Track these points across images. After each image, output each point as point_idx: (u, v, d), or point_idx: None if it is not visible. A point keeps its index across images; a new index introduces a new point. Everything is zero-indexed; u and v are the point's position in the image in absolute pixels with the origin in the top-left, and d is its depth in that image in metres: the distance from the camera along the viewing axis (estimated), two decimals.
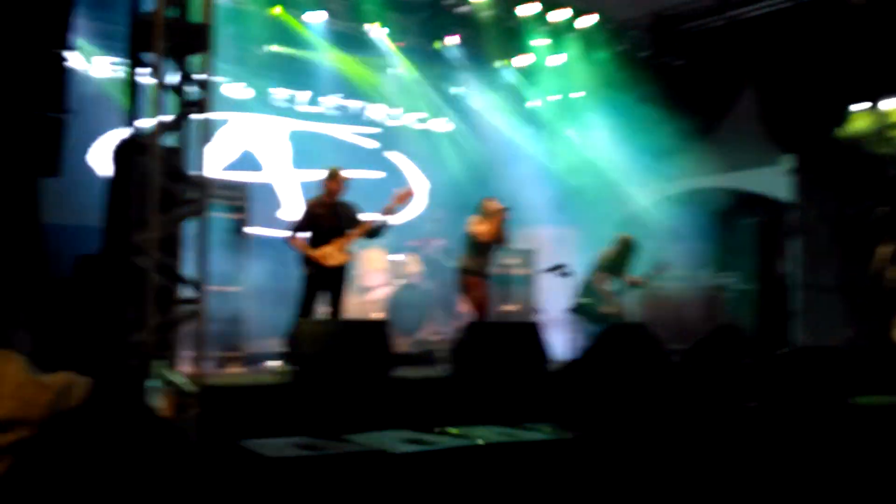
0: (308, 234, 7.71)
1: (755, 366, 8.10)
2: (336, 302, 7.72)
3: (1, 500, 1.55)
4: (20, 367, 1.65)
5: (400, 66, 11.96)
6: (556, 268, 8.69)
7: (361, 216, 7.90)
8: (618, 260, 9.37)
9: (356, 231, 7.75)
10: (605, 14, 11.56)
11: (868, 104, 10.33)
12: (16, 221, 4.58)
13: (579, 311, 9.16)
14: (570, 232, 11.69)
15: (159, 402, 4.76)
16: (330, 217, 7.71)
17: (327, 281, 7.62)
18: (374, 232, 7.92)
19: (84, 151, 9.54)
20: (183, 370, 5.36)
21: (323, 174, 7.95)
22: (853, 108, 10.38)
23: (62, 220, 8.07)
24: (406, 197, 7.94)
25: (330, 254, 7.58)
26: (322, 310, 7.71)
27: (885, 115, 10.19)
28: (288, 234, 7.76)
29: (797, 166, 10.96)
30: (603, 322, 9.15)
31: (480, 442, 5.36)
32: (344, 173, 7.87)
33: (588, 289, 9.22)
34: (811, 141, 10.89)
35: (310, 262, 7.57)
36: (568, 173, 12.57)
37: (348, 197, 7.99)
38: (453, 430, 5.66)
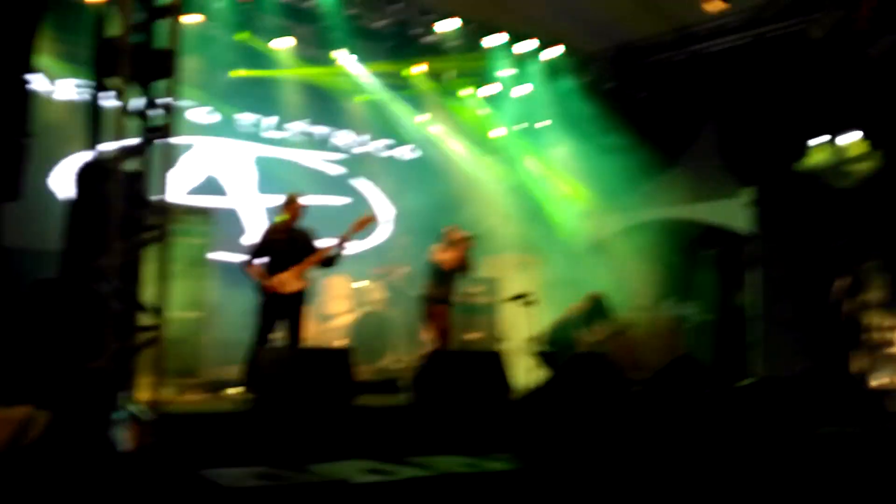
0: (264, 260, 7.64)
1: (714, 396, 8.19)
2: (294, 329, 7.62)
3: None
4: None
5: (367, 93, 12.00)
6: (520, 297, 8.72)
7: (319, 243, 7.85)
8: (587, 316, 9.48)
9: (312, 258, 7.71)
10: (570, 45, 11.70)
11: (827, 138, 10.52)
12: None
13: (545, 358, 9.22)
14: (533, 260, 11.75)
15: (122, 434, 4.69)
16: (287, 243, 7.66)
17: (284, 308, 7.54)
18: (329, 261, 7.86)
19: (45, 174, 9.44)
20: (141, 398, 5.30)
21: (299, 200, 7.89)
22: (812, 142, 10.57)
23: (23, 243, 7.98)
24: (365, 224, 7.92)
25: (286, 280, 7.52)
26: (279, 336, 7.64)
27: (843, 149, 10.38)
28: (244, 260, 7.68)
29: (756, 198, 11.11)
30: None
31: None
32: (301, 200, 7.84)
33: (556, 340, 9.29)
34: (771, 174, 11.06)
35: (265, 289, 7.51)
36: (531, 202, 12.66)
37: (313, 223, 7.96)
38: (416, 460, 5.63)
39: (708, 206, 11.48)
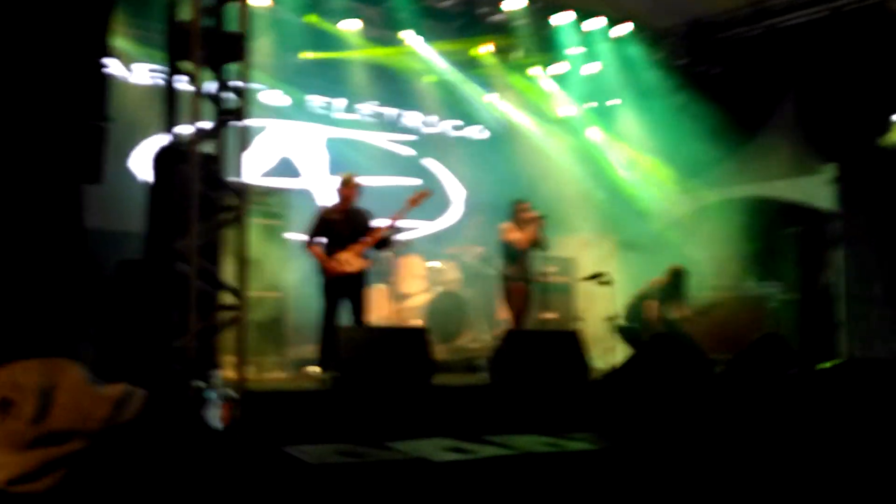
0: (324, 241, 7.65)
1: (800, 377, 7.95)
2: (358, 309, 7.63)
3: None
4: (79, 378, 1.61)
5: (435, 73, 11.95)
6: (596, 276, 8.58)
7: (376, 222, 7.83)
8: (668, 290, 9.29)
9: (370, 238, 7.70)
10: (640, 22, 11.47)
11: None
12: (61, 227, 4.58)
13: (625, 334, 9.08)
14: (609, 240, 11.58)
15: (211, 412, 4.72)
16: (345, 223, 7.66)
17: (346, 288, 7.55)
18: (384, 242, 7.85)
19: (125, 158, 9.63)
20: (226, 376, 5.34)
21: (355, 180, 7.88)
22: (894, 117, 10.21)
23: (106, 225, 8.14)
24: (419, 200, 7.86)
25: (347, 260, 7.52)
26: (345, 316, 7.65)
27: None
28: (304, 241, 7.71)
29: (839, 175, 10.79)
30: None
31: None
32: (357, 179, 7.83)
33: (636, 315, 9.14)
34: (853, 150, 10.73)
35: (326, 270, 7.52)
36: (606, 181, 12.48)
37: (384, 204, 7.94)
38: (495, 439, 5.58)
39: (789, 184, 11.17)
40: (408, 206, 7.76)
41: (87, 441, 1.57)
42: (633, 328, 9.09)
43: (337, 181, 7.88)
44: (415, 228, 11.79)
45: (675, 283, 9.29)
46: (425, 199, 7.92)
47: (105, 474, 1.58)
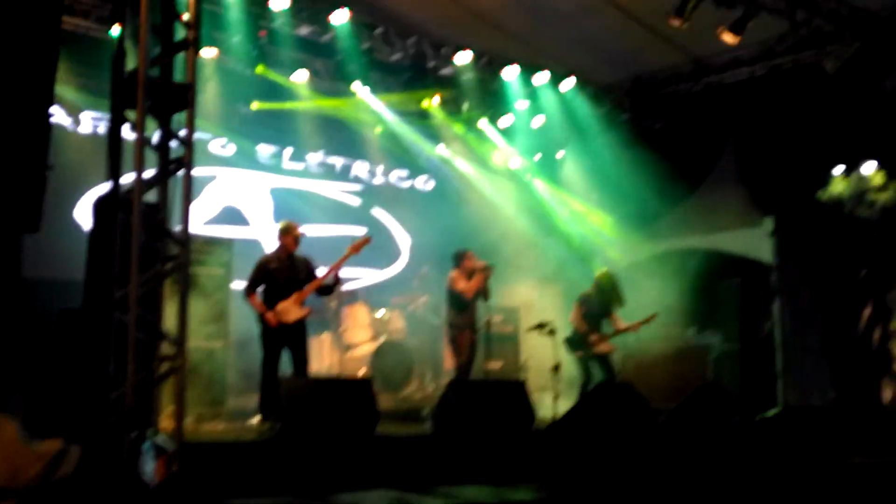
0: (263, 291, 7.57)
1: (741, 426, 8.06)
2: (300, 358, 7.53)
3: None
4: (12, 434, 1.58)
5: (384, 124, 12.06)
6: (542, 325, 8.64)
7: (319, 270, 7.81)
8: (599, 297, 9.35)
9: (311, 285, 7.66)
10: (585, 77, 11.72)
11: (847, 168, 10.44)
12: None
13: (567, 344, 9.14)
14: (554, 289, 11.69)
15: (147, 465, 4.64)
16: (285, 271, 7.60)
17: (286, 337, 7.47)
18: (327, 288, 7.82)
19: (69, 207, 9.52)
20: (164, 428, 5.25)
21: (299, 229, 7.85)
22: (834, 171, 10.50)
23: (49, 274, 8.01)
24: (360, 247, 7.85)
25: (286, 309, 7.46)
26: (285, 365, 7.56)
27: (865, 178, 10.31)
28: (244, 291, 7.62)
29: (777, 228, 11.04)
30: (594, 357, 9.11)
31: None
32: (299, 228, 7.80)
33: (574, 330, 9.23)
34: (792, 203, 10.99)
35: (266, 320, 7.47)
36: (551, 231, 12.63)
37: (332, 253, 7.92)
38: (440, 490, 5.56)
39: (731, 236, 11.40)
40: (350, 252, 7.75)
41: (17, 500, 1.54)
42: (573, 338, 9.17)
43: (277, 229, 7.84)
44: (359, 278, 11.80)
45: (600, 287, 9.36)
46: (367, 246, 7.92)
47: None
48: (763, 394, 9.71)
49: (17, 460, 1.41)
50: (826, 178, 10.66)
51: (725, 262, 11.32)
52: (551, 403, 7.99)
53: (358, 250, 7.80)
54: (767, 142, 10.97)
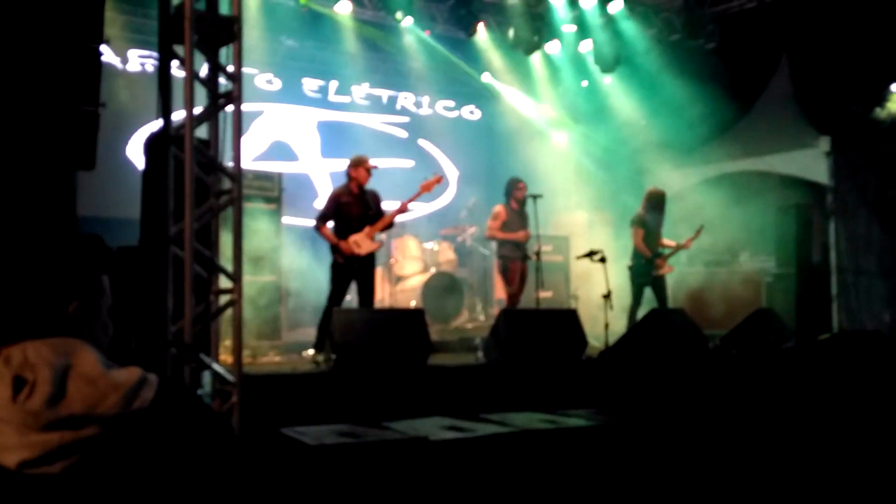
0: (333, 223, 7.63)
1: (796, 350, 8.00)
2: (367, 291, 7.61)
3: (63, 498, 1.53)
4: (93, 361, 1.61)
5: (429, 54, 11.93)
6: (592, 253, 8.60)
7: (385, 204, 7.82)
8: (652, 216, 9.28)
9: (386, 217, 7.68)
10: None
11: None
12: (54, 214, 4.59)
13: (632, 272, 9.14)
14: (604, 217, 11.61)
15: (208, 396, 4.75)
16: (357, 205, 7.61)
17: (357, 270, 7.54)
18: (401, 212, 7.83)
19: (122, 145, 9.65)
20: (222, 360, 5.37)
21: (370, 161, 7.82)
22: (893, 87, 10.19)
23: (103, 213, 8.16)
24: (432, 185, 7.84)
25: (360, 241, 7.49)
26: (351, 298, 7.64)
27: None
28: (315, 223, 7.67)
29: (833, 148, 10.78)
30: (653, 281, 9.09)
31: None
32: (371, 161, 7.79)
33: (634, 251, 9.19)
34: (848, 122, 10.71)
35: (338, 251, 7.51)
36: (600, 158, 12.49)
37: (379, 185, 7.93)
38: (493, 417, 5.62)
39: (784, 157, 11.17)
40: (421, 191, 7.74)
41: (100, 427, 1.58)
42: (635, 265, 9.15)
43: (347, 163, 7.79)
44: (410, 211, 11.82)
45: (652, 208, 9.29)
46: (437, 185, 7.90)
47: (118, 461, 1.59)
48: (817, 318, 9.60)
49: (98, 388, 1.46)
50: (884, 96, 10.36)
51: (780, 184, 11.12)
52: (602, 331, 8.00)
53: (430, 189, 7.80)
54: (823, 59, 10.65)
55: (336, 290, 7.48)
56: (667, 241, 9.35)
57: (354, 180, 7.64)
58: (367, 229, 7.53)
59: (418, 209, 12.07)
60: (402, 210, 7.73)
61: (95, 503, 1.55)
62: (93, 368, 1.61)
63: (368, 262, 7.59)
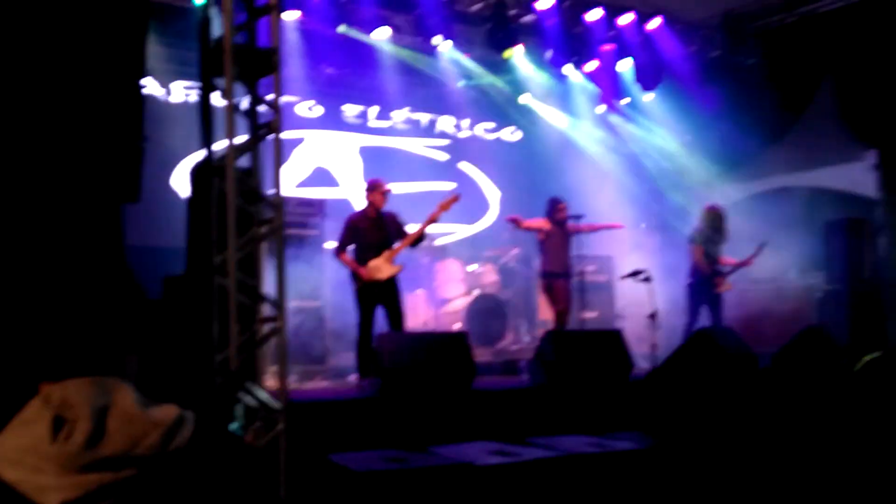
0: (354, 249, 7.65)
1: (848, 369, 7.82)
2: (395, 315, 7.61)
3: None
4: (131, 400, 1.62)
5: (467, 77, 11.99)
6: (636, 273, 8.53)
7: (407, 227, 7.84)
8: (707, 233, 9.18)
9: (405, 241, 7.70)
10: (671, 16, 11.40)
11: None
12: (102, 245, 4.67)
13: (690, 289, 9.06)
14: (649, 236, 11.52)
15: (247, 423, 4.77)
16: (374, 230, 7.65)
17: (380, 294, 7.55)
18: (418, 241, 7.83)
19: (166, 175, 9.81)
20: (267, 387, 5.40)
21: (389, 187, 7.89)
22: None
23: (150, 242, 8.29)
24: (450, 204, 7.84)
25: (379, 267, 7.52)
26: (381, 322, 7.65)
27: None
28: (334, 251, 7.72)
29: (881, 160, 10.60)
30: (712, 299, 9.00)
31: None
32: (385, 185, 7.80)
33: (693, 268, 9.11)
34: (895, 134, 10.54)
35: (358, 277, 7.53)
36: (644, 176, 12.41)
37: (421, 209, 7.95)
38: (539, 441, 5.58)
39: (831, 171, 11.02)
40: (438, 210, 7.75)
41: (139, 467, 1.58)
42: (695, 282, 9.05)
43: (364, 187, 7.88)
44: (451, 233, 11.82)
45: (711, 225, 9.19)
46: (455, 203, 7.91)
47: (156, 501, 1.59)
48: (870, 335, 9.39)
49: (136, 428, 1.45)
50: None
51: (827, 198, 10.96)
52: (649, 352, 7.90)
53: (447, 208, 7.80)
54: (867, 72, 10.50)
55: (364, 315, 7.52)
56: (727, 258, 9.26)
57: (371, 205, 7.73)
58: (386, 253, 7.57)
59: (461, 232, 12.07)
60: (420, 234, 7.72)
61: None
62: (131, 408, 1.62)
63: (391, 285, 7.60)
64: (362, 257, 7.58)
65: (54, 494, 1.53)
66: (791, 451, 5.86)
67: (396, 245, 7.67)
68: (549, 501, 4.98)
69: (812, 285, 10.48)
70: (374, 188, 7.76)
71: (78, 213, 4.53)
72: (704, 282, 9.02)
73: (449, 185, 12.01)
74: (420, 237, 7.81)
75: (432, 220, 7.71)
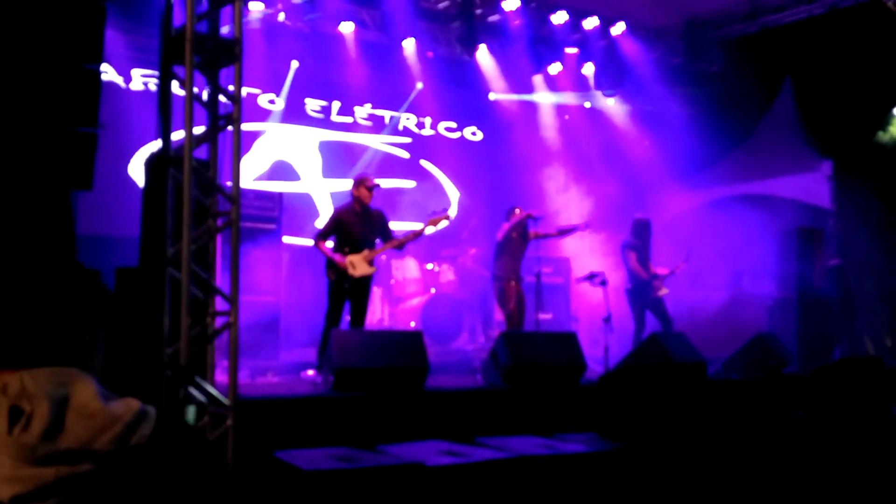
0: (334, 242, 7.59)
1: (798, 376, 7.96)
2: (358, 313, 7.57)
3: None
4: (91, 392, 1.58)
5: (432, 75, 11.97)
6: (592, 276, 8.59)
7: (391, 225, 7.81)
8: (637, 242, 9.30)
9: (386, 245, 7.67)
10: (635, 21, 11.49)
11: None
12: (53, 233, 4.59)
13: (631, 295, 9.15)
14: (604, 240, 11.60)
15: (194, 416, 4.73)
16: (359, 226, 7.58)
17: (349, 290, 7.50)
18: (401, 245, 7.83)
19: (123, 164, 9.67)
20: (217, 382, 5.35)
21: (373, 180, 7.81)
22: (894, 111, 10.21)
23: (106, 231, 8.17)
24: (439, 221, 7.82)
25: (356, 263, 7.46)
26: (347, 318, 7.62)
27: None
28: (315, 239, 7.65)
29: (835, 172, 10.79)
30: (653, 303, 9.09)
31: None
32: (373, 180, 7.75)
33: (631, 274, 9.20)
34: (851, 146, 10.72)
35: (334, 269, 7.49)
36: (603, 181, 12.49)
37: (380, 206, 7.92)
38: (490, 441, 5.58)
39: (787, 181, 11.19)
40: (427, 225, 7.72)
41: (96, 462, 1.55)
42: (632, 288, 9.15)
43: (343, 184, 7.80)
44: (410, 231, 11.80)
45: (640, 235, 9.31)
46: (445, 223, 7.90)
47: (112, 498, 1.56)
48: (819, 343, 9.56)
49: (95, 422, 1.43)
50: (887, 120, 10.36)
51: (782, 207, 11.12)
52: (602, 355, 7.96)
53: (436, 224, 7.79)
54: (826, 83, 10.68)
55: (332, 309, 7.46)
56: (658, 268, 9.37)
57: (357, 200, 7.61)
58: (365, 252, 7.51)
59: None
60: (401, 244, 7.70)
61: None
62: (91, 401, 1.58)
63: (363, 284, 7.55)
64: (341, 251, 7.50)
65: (7, 487, 1.49)
66: (738, 456, 5.94)
67: (378, 246, 7.63)
68: (499, 502, 4.99)
69: (764, 293, 10.63)
70: (360, 183, 7.63)
71: (27, 199, 4.44)
72: (643, 286, 9.12)
73: (410, 183, 11.99)
74: (405, 243, 7.78)
75: (418, 234, 7.69)
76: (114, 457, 1.52)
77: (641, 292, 9.12)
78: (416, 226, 7.92)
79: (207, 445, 3.13)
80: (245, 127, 6.00)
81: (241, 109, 5.94)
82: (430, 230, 7.86)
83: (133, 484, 1.53)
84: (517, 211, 8.95)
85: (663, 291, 9.22)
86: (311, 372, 7.49)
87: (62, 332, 1.62)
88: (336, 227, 7.55)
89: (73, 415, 1.51)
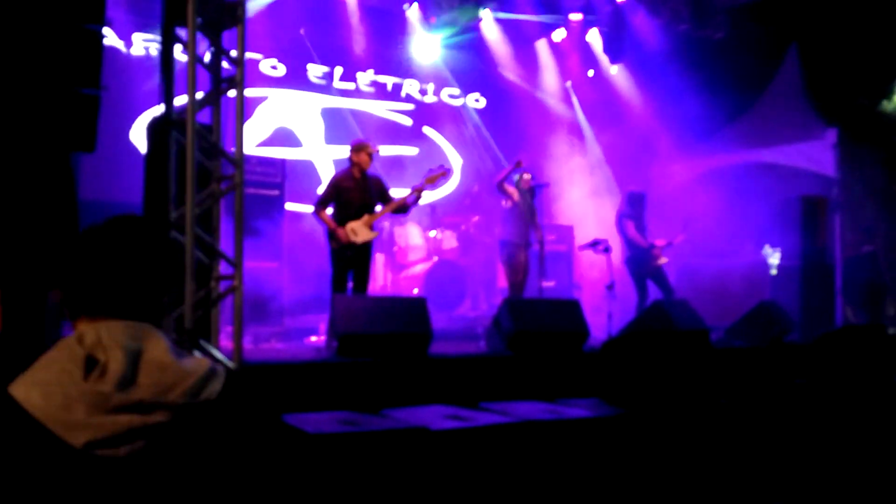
0: (334, 208, 7.53)
1: (800, 344, 7.96)
2: (361, 279, 7.54)
3: (126, 482, 1.51)
4: (165, 348, 1.60)
5: (433, 42, 11.88)
6: (595, 244, 8.56)
7: (391, 191, 7.75)
8: (636, 211, 9.27)
9: (386, 208, 7.61)
10: None
11: None
12: (55, 195, 4.56)
13: (630, 265, 9.14)
14: (608, 207, 11.57)
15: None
16: (359, 191, 7.50)
17: (352, 258, 7.45)
18: (402, 209, 7.78)
19: (125, 128, 9.62)
20: (221, 347, 5.35)
21: (372, 146, 7.70)
22: None
23: (107, 196, 8.14)
24: (439, 178, 7.77)
25: (357, 229, 7.41)
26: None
27: None
28: (314, 207, 7.60)
29: (840, 140, 10.73)
30: (654, 272, 9.08)
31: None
32: (372, 146, 7.67)
33: (630, 243, 9.18)
34: (855, 114, 10.66)
35: (335, 237, 7.47)
36: (607, 148, 12.45)
37: (382, 173, 7.88)
38: (494, 406, 5.59)
39: (791, 149, 11.13)
40: (425, 184, 7.66)
41: (168, 414, 1.57)
42: (632, 256, 9.14)
43: (349, 149, 7.69)
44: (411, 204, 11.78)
45: (633, 204, 9.27)
46: (444, 180, 7.82)
47: (182, 450, 1.59)
48: (822, 311, 9.57)
49: (168, 375, 1.46)
50: (891, 88, 10.30)
51: (786, 175, 11.07)
52: (605, 322, 7.96)
53: (434, 181, 7.72)
54: (832, 51, 10.59)
55: (338, 276, 7.44)
56: (656, 240, 9.35)
57: (357, 165, 7.53)
58: (366, 217, 7.46)
59: (422, 197, 12.01)
60: (402, 204, 7.64)
61: (157, 490, 1.54)
62: (164, 355, 1.61)
63: (365, 250, 7.50)
64: (342, 218, 7.42)
65: (82, 433, 1.51)
66: (741, 423, 5.95)
67: (378, 210, 7.57)
68: (503, 466, 5.00)
69: (768, 261, 10.62)
70: (360, 148, 7.54)
71: (29, 161, 4.41)
72: (642, 255, 9.09)
73: (412, 150, 11.94)
74: (403, 206, 7.71)
75: (418, 191, 7.62)
76: (185, 410, 1.55)
77: (641, 261, 9.10)
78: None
79: (271, 409, 3.15)
80: (247, 93, 5.94)
81: (244, 72, 5.89)
82: (429, 188, 7.78)
83: (203, 436, 1.56)
84: (525, 175, 8.92)
85: (662, 260, 9.19)
86: (314, 338, 7.49)
87: (147, 291, 1.65)
88: (335, 193, 7.49)
89: (147, 367, 1.54)
